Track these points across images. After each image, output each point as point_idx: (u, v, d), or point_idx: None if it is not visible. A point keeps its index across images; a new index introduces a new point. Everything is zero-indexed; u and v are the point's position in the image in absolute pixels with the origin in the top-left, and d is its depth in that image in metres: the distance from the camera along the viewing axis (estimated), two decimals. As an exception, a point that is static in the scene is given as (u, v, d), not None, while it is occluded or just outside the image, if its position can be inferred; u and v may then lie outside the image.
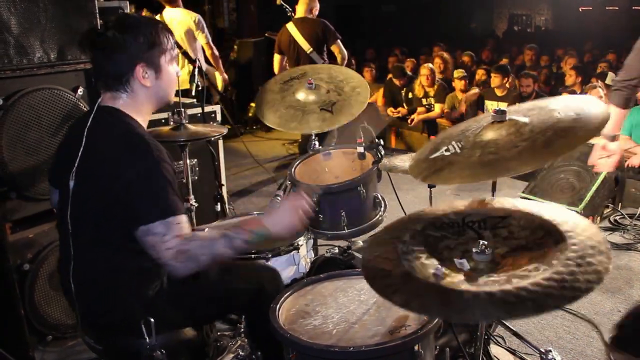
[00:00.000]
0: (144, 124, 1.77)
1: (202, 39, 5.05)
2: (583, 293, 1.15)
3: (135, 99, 1.71)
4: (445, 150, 1.63)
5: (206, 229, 1.81)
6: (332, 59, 4.97)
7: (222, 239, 1.59)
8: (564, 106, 1.59)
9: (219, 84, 5.51)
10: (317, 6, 4.92)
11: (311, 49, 4.75)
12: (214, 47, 5.23)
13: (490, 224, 1.49)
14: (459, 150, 1.60)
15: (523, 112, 1.63)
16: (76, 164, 1.64)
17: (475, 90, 6.40)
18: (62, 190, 1.71)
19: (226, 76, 5.53)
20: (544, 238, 1.38)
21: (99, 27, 1.75)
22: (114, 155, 1.60)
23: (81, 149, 1.64)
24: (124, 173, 1.57)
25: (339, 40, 4.83)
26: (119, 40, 1.64)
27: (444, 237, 1.49)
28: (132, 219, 1.57)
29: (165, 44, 1.73)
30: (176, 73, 1.81)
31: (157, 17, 5.03)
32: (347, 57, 4.93)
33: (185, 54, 5.03)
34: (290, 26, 4.81)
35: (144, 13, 5.21)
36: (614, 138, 2.48)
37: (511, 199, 1.63)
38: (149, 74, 1.70)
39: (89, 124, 1.67)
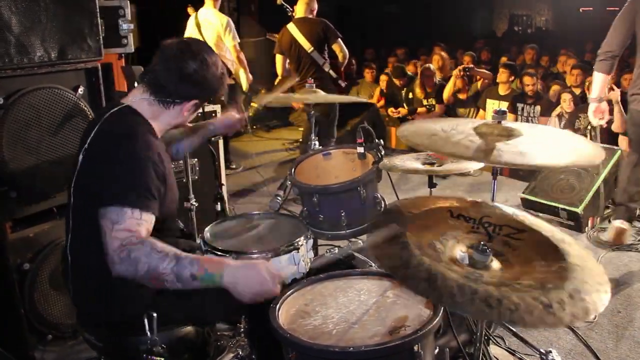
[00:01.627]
0: (157, 129, 1.78)
1: (229, 41, 5.18)
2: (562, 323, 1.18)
3: (161, 113, 1.75)
4: (440, 128, 1.70)
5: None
6: (333, 58, 4.97)
7: (172, 260, 1.47)
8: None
9: (244, 84, 5.51)
10: (316, 6, 4.93)
11: (312, 48, 4.75)
12: (241, 52, 5.33)
13: (505, 231, 1.52)
14: (449, 130, 1.66)
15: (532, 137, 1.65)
16: (87, 143, 1.70)
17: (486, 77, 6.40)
18: (74, 162, 1.75)
19: (251, 77, 5.53)
20: (549, 263, 1.37)
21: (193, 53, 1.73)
22: (106, 147, 1.66)
23: (94, 131, 1.70)
24: (108, 166, 1.61)
25: (339, 39, 4.84)
26: (203, 75, 1.69)
27: (456, 227, 1.50)
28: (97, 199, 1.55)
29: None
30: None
31: (193, 14, 5.27)
32: (348, 56, 4.94)
33: None
34: (291, 26, 4.82)
35: (188, 7, 5.43)
36: (601, 100, 3.39)
37: (544, 222, 1.62)
38: (187, 112, 1.78)
39: (107, 115, 1.72)
